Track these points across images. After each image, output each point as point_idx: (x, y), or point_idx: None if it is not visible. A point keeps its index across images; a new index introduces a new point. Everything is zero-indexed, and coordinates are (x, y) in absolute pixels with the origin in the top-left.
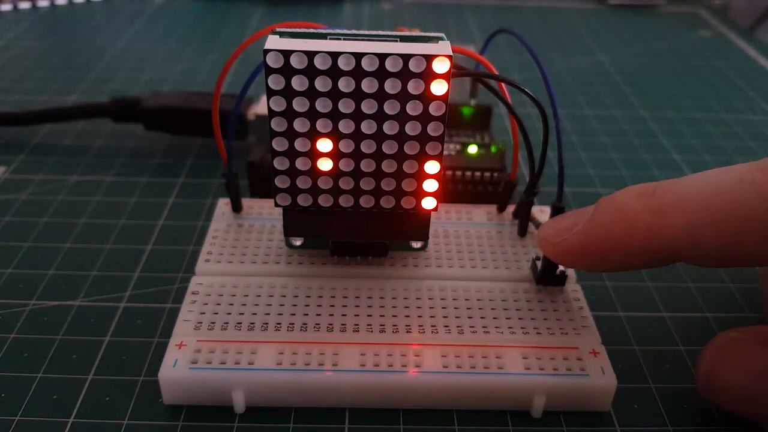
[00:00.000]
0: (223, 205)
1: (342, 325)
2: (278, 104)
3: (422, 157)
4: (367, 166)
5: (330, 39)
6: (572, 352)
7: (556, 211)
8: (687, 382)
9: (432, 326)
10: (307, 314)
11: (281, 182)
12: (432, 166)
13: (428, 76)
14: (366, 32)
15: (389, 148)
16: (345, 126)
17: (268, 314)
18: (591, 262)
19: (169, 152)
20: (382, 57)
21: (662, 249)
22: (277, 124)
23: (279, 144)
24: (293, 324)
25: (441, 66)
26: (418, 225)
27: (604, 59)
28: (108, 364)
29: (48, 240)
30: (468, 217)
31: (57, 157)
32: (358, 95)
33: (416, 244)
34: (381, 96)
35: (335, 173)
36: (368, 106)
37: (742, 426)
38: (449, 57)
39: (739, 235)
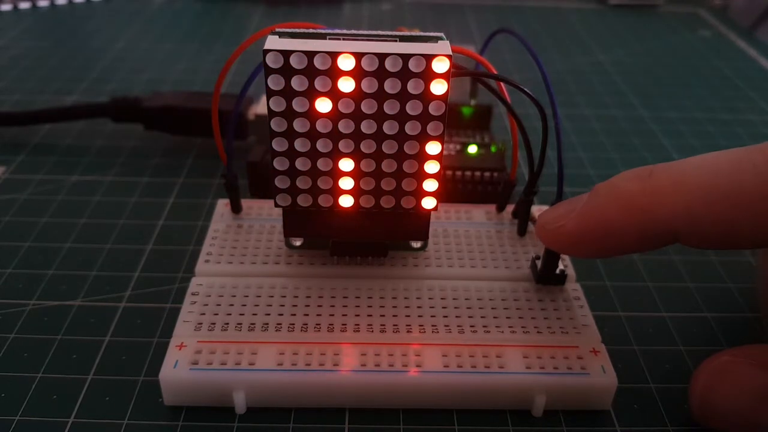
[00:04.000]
0: (223, 205)
1: (342, 325)
2: (278, 104)
3: (422, 157)
4: (367, 166)
5: (330, 39)
6: (572, 350)
7: None
8: (687, 382)
9: (432, 326)
10: (307, 314)
11: (281, 182)
12: (432, 166)
13: (428, 75)
14: (366, 32)
15: (389, 148)
16: (345, 126)
17: (269, 315)
18: (588, 246)
19: (169, 152)
20: (382, 57)
21: (659, 230)
22: (277, 124)
23: (279, 144)
24: (293, 324)
25: (441, 66)
26: (418, 225)
27: (604, 59)
28: (108, 364)
29: (48, 240)
30: (467, 216)
31: (57, 157)
32: (358, 95)
33: (416, 244)
34: (381, 96)
35: (335, 173)
36: (368, 106)
37: None
38: (449, 57)
39: (736, 215)
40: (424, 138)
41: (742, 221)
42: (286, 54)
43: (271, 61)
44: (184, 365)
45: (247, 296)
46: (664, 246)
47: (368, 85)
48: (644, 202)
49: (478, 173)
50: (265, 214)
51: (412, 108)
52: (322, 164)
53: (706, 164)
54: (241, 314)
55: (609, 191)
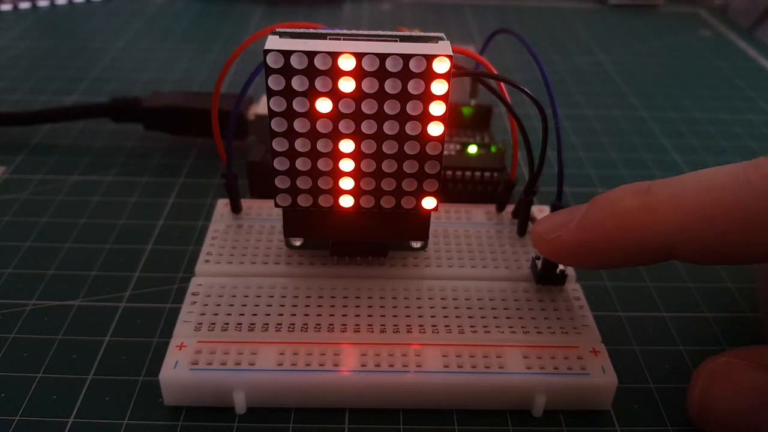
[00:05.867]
0: (222, 205)
1: (342, 325)
2: (278, 104)
3: (422, 157)
4: (367, 166)
5: (330, 39)
6: (572, 351)
7: (556, 210)
8: (687, 382)
9: (432, 326)
10: (307, 314)
11: (281, 182)
12: (432, 166)
13: (428, 76)
14: (366, 32)
15: (389, 148)
16: (345, 126)
17: (269, 315)
18: (585, 258)
19: (169, 152)
20: (382, 57)
21: (656, 246)
22: (277, 125)
23: (279, 144)
24: (294, 324)
25: (441, 66)
26: (418, 225)
27: (604, 59)
28: (108, 364)
29: (48, 240)
30: (467, 216)
31: (57, 157)
32: (358, 95)
33: (416, 244)
34: (381, 96)
35: (335, 173)
36: (368, 106)
37: None
38: (449, 57)
39: (732, 232)
40: (424, 138)
41: (737, 237)
42: (286, 54)
43: (272, 61)
44: (184, 365)
45: (247, 296)
46: (661, 261)
47: (368, 86)
48: (642, 217)
49: (478, 173)
50: (265, 214)
51: (413, 108)
52: (322, 164)
53: (702, 180)
54: (241, 314)
55: (607, 205)
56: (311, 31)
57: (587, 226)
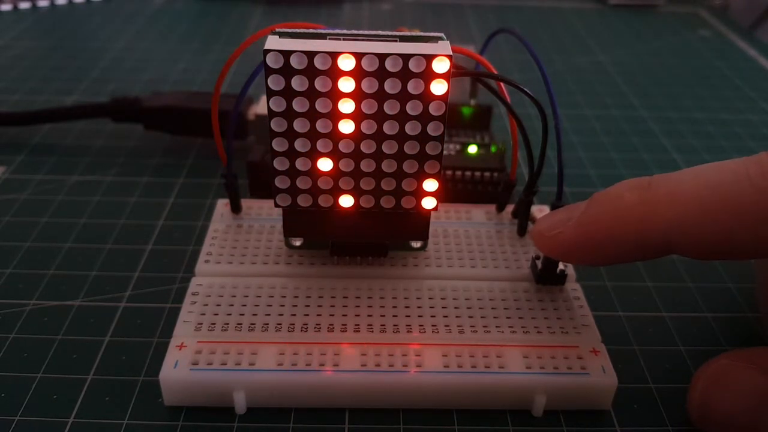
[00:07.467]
0: (222, 205)
1: (342, 325)
2: (278, 104)
3: (422, 157)
4: (367, 166)
5: (330, 39)
6: (572, 350)
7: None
8: (687, 382)
9: (432, 326)
10: (307, 314)
11: (281, 182)
12: (432, 166)
13: (428, 76)
14: (366, 32)
15: (389, 148)
16: (345, 126)
17: (269, 315)
18: (585, 255)
19: (169, 152)
20: (382, 57)
21: (655, 241)
22: (277, 125)
23: (279, 144)
24: (293, 324)
25: (441, 66)
26: (418, 225)
27: (604, 59)
28: (108, 364)
29: (48, 240)
30: (467, 216)
31: (57, 157)
32: (358, 95)
33: (416, 244)
34: (381, 96)
35: (335, 173)
36: (368, 106)
37: None
38: (449, 57)
39: (731, 227)
40: (424, 138)
41: (737, 232)
42: (286, 54)
43: (272, 61)
44: (184, 365)
45: (247, 296)
46: (661, 256)
47: (368, 86)
48: (641, 212)
49: (478, 173)
50: (265, 214)
51: (412, 108)
52: (322, 164)
53: (702, 175)
54: (241, 314)
55: (607, 200)
56: (311, 31)
57: (587, 222)
